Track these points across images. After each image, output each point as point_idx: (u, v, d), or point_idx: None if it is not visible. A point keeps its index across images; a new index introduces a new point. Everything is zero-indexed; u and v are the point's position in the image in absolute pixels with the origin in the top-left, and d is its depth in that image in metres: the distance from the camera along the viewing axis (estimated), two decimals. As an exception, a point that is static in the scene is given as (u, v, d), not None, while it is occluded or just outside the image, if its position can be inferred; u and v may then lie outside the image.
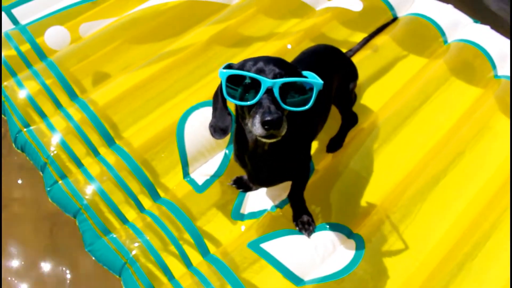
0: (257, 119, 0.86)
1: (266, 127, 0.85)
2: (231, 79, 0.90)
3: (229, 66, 0.93)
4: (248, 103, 0.88)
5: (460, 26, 1.86)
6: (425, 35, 1.83)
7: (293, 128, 0.97)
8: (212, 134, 1.02)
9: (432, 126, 1.58)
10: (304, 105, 0.90)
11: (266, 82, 0.86)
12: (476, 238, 1.34)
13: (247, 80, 0.89)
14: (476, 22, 1.88)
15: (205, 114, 1.48)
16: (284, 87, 0.88)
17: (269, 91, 0.87)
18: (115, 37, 1.70)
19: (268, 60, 0.92)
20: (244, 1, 1.87)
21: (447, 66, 1.71)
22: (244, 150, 1.09)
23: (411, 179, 1.44)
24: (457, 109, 1.63)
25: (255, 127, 0.87)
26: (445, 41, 1.82)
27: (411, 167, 1.47)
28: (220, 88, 0.97)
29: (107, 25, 1.76)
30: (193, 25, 1.78)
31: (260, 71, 0.89)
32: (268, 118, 0.84)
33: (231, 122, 1.00)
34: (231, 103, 0.94)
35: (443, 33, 1.82)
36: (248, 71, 0.89)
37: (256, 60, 0.92)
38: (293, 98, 0.90)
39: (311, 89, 0.90)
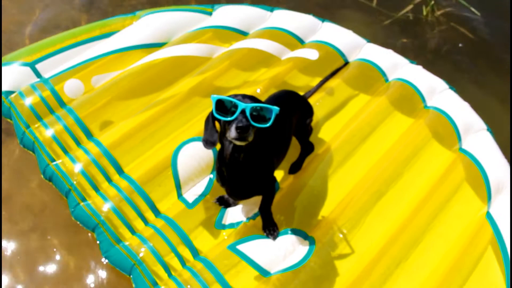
0: (233, 126, 1.23)
1: (238, 131, 1.21)
2: (219, 104, 1.26)
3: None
4: (229, 118, 1.24)
5: (398, 67, 2.20)
6: (369, 76, 2.14)
7: (261, 149, 1.37)
8: (204, 146, 1.37)
9: (374, 151, 1.90)
10: (266, 123, 1.26)
11: (241, 105, 1.23)
12: (408, 242, 1.66)
13: (229, 104, 1.26)
14: (412, 62, 2.23)
15: (193, 148, 1.77)
16: (253, 112, 1.25)
17: (243, 112, 1.24)
18: (118, 88, 1.96)
19: (245, 95, 1.30)
20: (221, 55, 2.12)
21: (388, 100, 2.03)
22: (224, 163, 1.43)
23: (357, 195, 1.74)
24: (394, 135, 1.95)
25: (231, 132, 1.24)
26: (386, 80, 2.15)
27: (355, 184, 1.78)
28: (211, 112, 1.33)
29: (113, 77, 2.01)
30: (180, 76, 2.04)
31: (238, 99, 1.26)
32: (240, 124, 1.21)
33: (217, 137, 1.36)
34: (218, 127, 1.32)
35: (384, 73, 2.15)
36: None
37: (237, 94, 1.30)
38: (259, 120, 1.26)
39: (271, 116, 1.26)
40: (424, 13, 3.01)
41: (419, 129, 1.98)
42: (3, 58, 2.06)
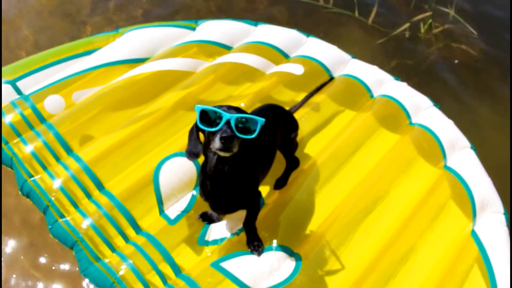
0: (217, 137, 1.21)
1: (222, 141, 1.19)
2: (203, 114, 1.24)
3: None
4: (213, 129, 1.22)
5: (383, 83, 2.21)
6: (355, 92, 2.14)
7: (246, 161, 1.34)
8: (187, 157, 1.34)
9: (361, 167, 1.88)
10: (251, 134, 1.24)
11: (226, 115, 1.21)
12: (396, 259, 1.64)
13: (213, 115, 1.23)
14: (397, 79, 2.25)
15: (175, 163, 1.75)
16: (238, 123, 1.23)
17: (228, 122, 1.22)
18: (100, 103, 1.94)
19: (230, 106, 1.28)
20: (205, 69, 2.11)
21: (373, 116, 2.03)
22: (208, 176, 1.40)
23: (343, 211, 1.72)
24: (380, 152, 1.94)
25: (215, 142, 1.21)
26: (371, 96, 2.16)
27: (341, 200, 1.76)
28: (195, 123, 1.31)
29: (94, 93, 1.98)
30: (164, 91, 2.03)
31: (223, 109, 1.24)
32: (224, 134, 1.19)
33: (201, 149, 1.34)
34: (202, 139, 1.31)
35: (369, 90, 2.16)
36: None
37: (223, 105, 1.28)
38: (244, 131, 1.24)
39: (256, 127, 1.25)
40: (422, 31, 3.05)
41: (405, 146, 1.98)
42: None
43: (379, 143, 1.98)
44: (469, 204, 1.84)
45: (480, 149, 2.06)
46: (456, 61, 2.86)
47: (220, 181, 1.40)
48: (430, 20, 3.08)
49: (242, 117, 1.24)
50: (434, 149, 2.00)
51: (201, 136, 1.35)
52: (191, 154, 1.35)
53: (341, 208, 1.74)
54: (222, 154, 1.25)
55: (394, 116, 2.09)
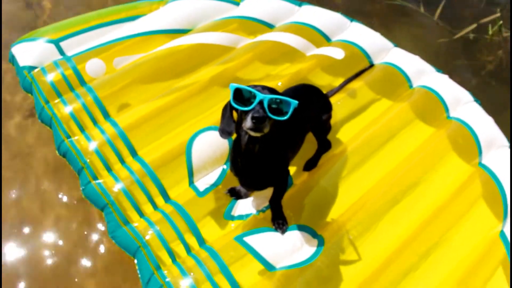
0: (249, 116, 1.21)
1: (253, 121, 1.20)
2: (237, 93, 1.25)
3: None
4: (246, 108, 1.23)
5: (424, 74, 2.16)
6: (393, 81, 2.10)
7: (277, 142, 1.35)
8: (220, 135, 1.36)
9: (392, 157, 1.85)
10: (283, 116, 1.24)
11: (259, 95, 1.22)
12: (419, 252, 1.61)
13: (247, 94, 1.24)
14: (438, 71, 2.19)
15: (209, 136, 1.77)
16: (271, 104, 1.23)
17: (261, 103, 1.22)
18: (140, 71, 1.96)
19: (265, 86, 1.29)
20: (245, 46, 2.11)
21: (410, 107, 1.99)
22: (239, 153, 1.42)
23: (370, 200, 1.70)
24: (413, 143, 1.91)
25: (247, 122, 1.22)
26: (410, 86, 2.12)
27: (369, 188, 1.75)
28: (229, 101, 1.32)
29: (134, 60, 2.01)
30: (202, 64, 2.03)
31: (257, 89, 1.24)
32: (256, 114, 1.20)
33: (234, 128, 1.35)
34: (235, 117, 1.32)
35: (408, 79, 2.12)
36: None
37: (257, 85, 1.28)
38: (276, 112, 1.24)
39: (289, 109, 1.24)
40: (490, 32, 2.93)
41: (440, 139, 1.94)
42: (30, 33, 2.10)
43: (413, 135, 1.95)
44: (500, 204, 1.79)
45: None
46: None
47: (250, 159, 1.41)
48: (501, 22, 2.94)
49: (275, 98, 1.23)
50: (470, 145, 1.95)
51: (235, 115, 1.35)
52: (224, 132, 1.36)
53: (368, 196, 1.73)
54: (253, 134, 1.25)
55: (432, 108, 2.04)
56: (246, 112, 1.24)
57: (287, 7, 2.32)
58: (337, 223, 1.64)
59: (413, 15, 2.99)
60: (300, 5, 2.35)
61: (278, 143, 1.41)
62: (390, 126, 1.94)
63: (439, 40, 2.86)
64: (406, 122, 1.97)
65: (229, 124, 1.35)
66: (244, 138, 1.37)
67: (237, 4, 2.31)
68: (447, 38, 2.88)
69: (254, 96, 1.23)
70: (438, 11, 3.03)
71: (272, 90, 1.28)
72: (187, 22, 2.16)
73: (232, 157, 1.50)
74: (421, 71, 2.18)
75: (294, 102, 1.24)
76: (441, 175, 1.84)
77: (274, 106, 1.24)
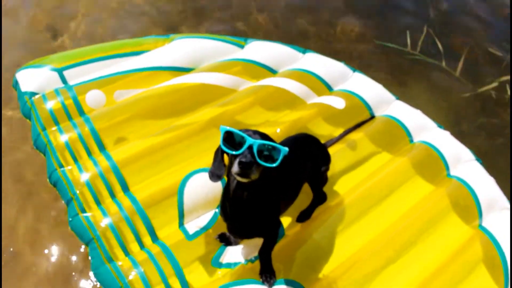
0: (237, 161, 1.19)
1: (240, 166, 1.17)
2: (227, 136, 1.23)
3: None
4: (235, 152, 1.20)
5: (426, 129, 2.14)
6: (394, 134, 2.08)
7: (267, 190, 1.31)
8: (210, 178, 1.33)
9: (389, 214, 1.81)
10: (273, 163, 1.21)
11: (249, 140, 1.19)
12: None
13: (238, 138, 1.22)
14: (440, 127, 2.18)
15: (202, 178, 1.73)
16: (262, 150, 1.20)
17: (250, 147, 1.20)
18: (139, 106, 1.95)
19: (256, 131, 1.26)
20: (247, 90, 2.09)
21: (410, 162, 1.96)
22: (228, 198, 1.39)
23: (364, 257, 1.65)
24: (411, 200, 1.87)
25: (234, 167, 1.19)
26: (411, 141, 2.09)
27: (364, 244, 1.69)
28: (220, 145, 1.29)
29: (135, 95, 2.00)
30: (202, 104, 2.02)
31: (247, 134, 1.22)
32: (243, 159, 1.17)
33: (224, 171, 1.31)
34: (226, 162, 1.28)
35: (409, 134, 2.10)
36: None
37: (249, 129, 1.26)
38: (266, 159, 1.21)
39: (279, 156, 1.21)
40: (509, 92, 2.93)
41: (439, 198, 1.90)
42: (37, 60, 2.10)
43: (412, 192, 1.91)
44: (501, 271, 1.74)
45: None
46: None
47: (238, 205, 1.38)
48: None
49: (266, 144, 1.21)
50: (470, 206, 1.91)
51: (226, 158, 1.33)
52: (214, 175, 1.33)
53: (362, 253, 1.68)
54: (239, 179, 1.23)
55: (432, 165, 2.01)
56: (235, 156, 1.21)
57: (291, 53, 2.33)
58: (327, 280, 1.58)
59: (435, 70, 3.01)
60: (304, 52, 2.36)
61: (269, 191, 1.37)
62: (389, 182, 1.91)
63: (463, 95, 2.86)
64: (405, 178, 1.94)
65: (219, 167, 1.32)
66: (233, 183, 1.34)
67: (242, 47, 2.32)
68: (468, 93, 2.88)
69: (244, 141, 1.20)
70: (459, 66, 3.04)
71: (264, 136, 1.26)
72: (191, 61, 2.16)
73: (222, 201, 1.46)
74: (422, 126, 2.16)
75: (284, 149, 1.21)
76: (439, 235, 1.79)
77: (266, 153, 1.22)
